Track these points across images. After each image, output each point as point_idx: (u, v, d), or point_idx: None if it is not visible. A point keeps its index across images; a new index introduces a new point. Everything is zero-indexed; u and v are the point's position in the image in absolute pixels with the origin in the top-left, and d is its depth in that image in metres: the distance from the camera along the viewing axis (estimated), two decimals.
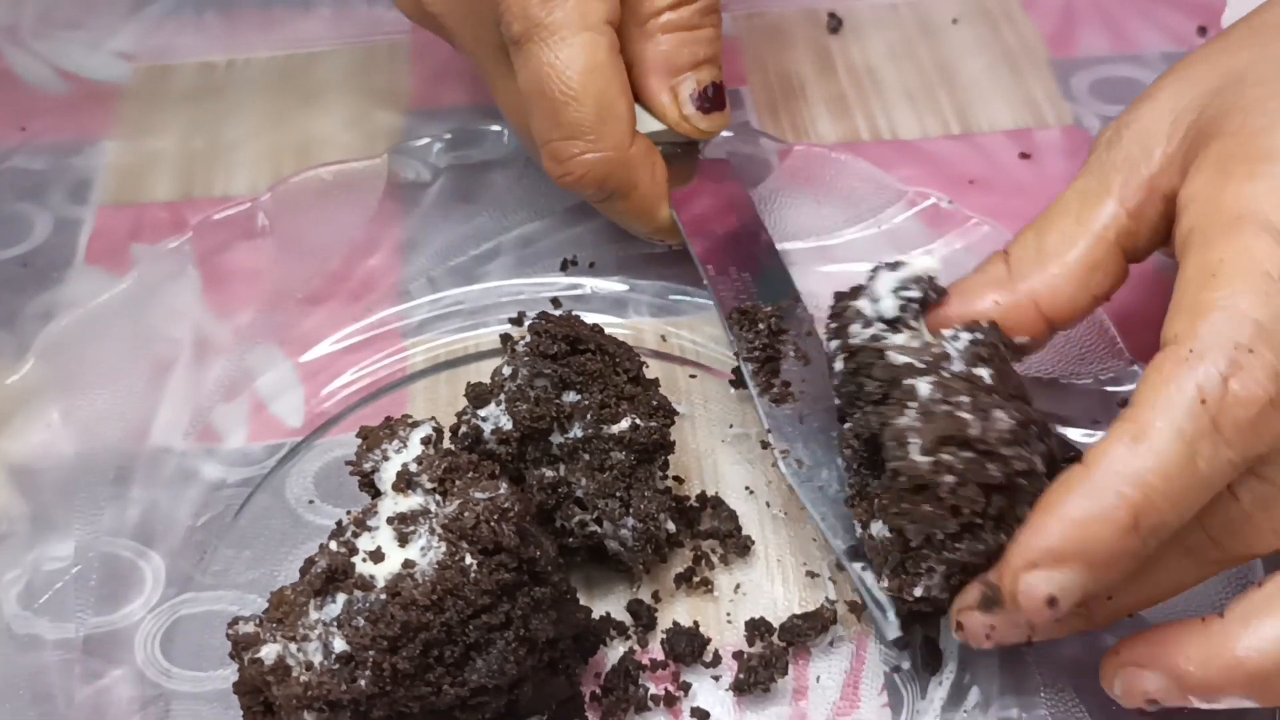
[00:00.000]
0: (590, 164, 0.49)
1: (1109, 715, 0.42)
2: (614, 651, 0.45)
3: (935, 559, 0.40)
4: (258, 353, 0.54)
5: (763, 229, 0.52)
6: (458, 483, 0.39)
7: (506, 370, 0.45)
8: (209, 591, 0.48)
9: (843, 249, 0.55)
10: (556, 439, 0.44)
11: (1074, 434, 0.48)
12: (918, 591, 0.40)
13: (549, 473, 0.44)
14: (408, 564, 0.37)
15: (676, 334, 0.55)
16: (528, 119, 0.50)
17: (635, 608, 0.46)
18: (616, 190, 0.50)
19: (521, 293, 0.56)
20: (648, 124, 0.52)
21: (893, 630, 0.42)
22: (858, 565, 0.43)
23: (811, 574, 0.47)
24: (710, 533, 0.48)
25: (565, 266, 0.56)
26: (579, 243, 0.57)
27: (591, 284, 0.56)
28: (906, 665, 0.44)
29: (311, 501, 0.50)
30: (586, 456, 0.44)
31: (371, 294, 0.56)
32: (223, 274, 0.55)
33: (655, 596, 0.46)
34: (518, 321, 0.55)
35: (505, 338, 0.54)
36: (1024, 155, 0.62)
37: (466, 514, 0.38)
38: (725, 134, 0.55)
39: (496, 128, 0.59)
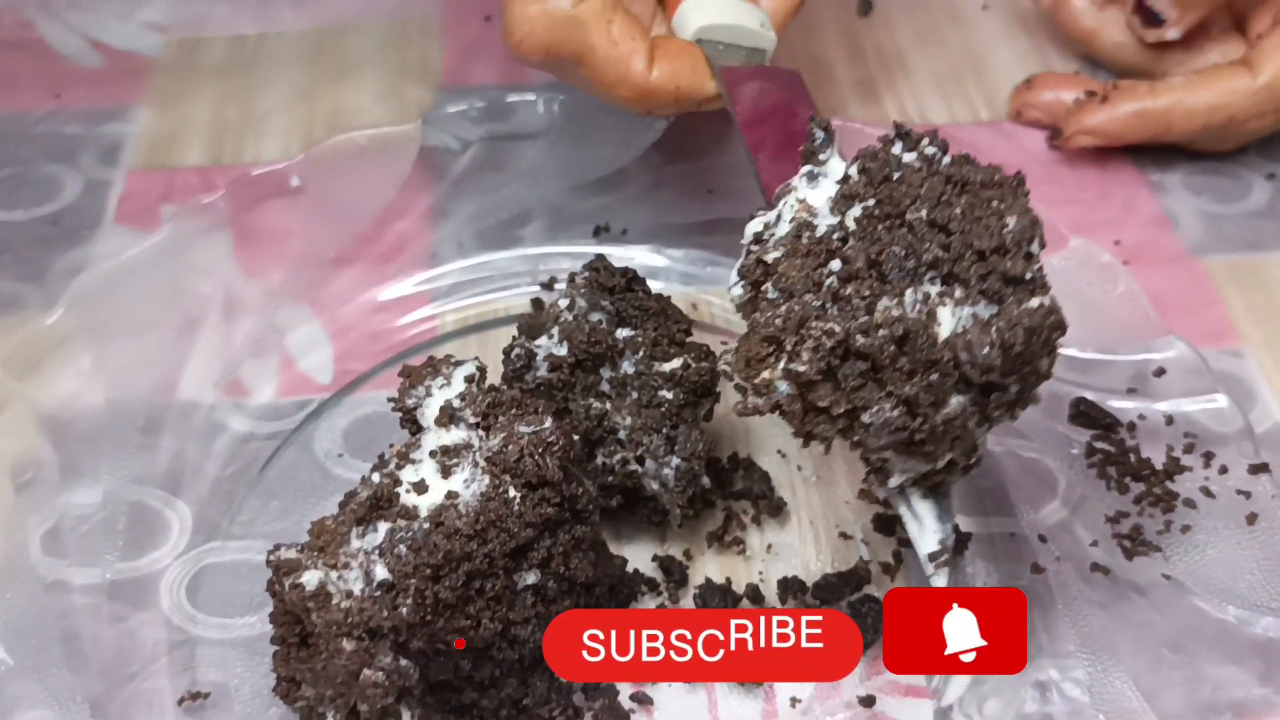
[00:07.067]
0: (530, 23, 0.47)
1: (1152, 678, 0.41)
2: (645, 606, 0.45)
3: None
4: (287, 311, 0.54)
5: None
6: (501, 418, 0.39)
7: (562, 303, 0.45)
8: (236, 541, 0.47)
9: None
10: (607, 373, 0.44)
11: (1112, 401, 0.48)
12: (891, 483, 0.39)
13: (596, 404, 0.44)
14: (451, 495, 0.37)
15: (707, 301, 0.55)
16: None
17: (667, 564, 0.46)
18: (568, 56, 0.47)
19: (552, 260, 0.56)
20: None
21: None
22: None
23: (845, 535, 0.47)
24: (742, 493, 0.48)
25: (597, 233, 0.56)
26: (611, 211, 0.57)
27: (623, 252, 0.56)
28: None
29: (341, 455, 0.50)
30: (635, 394, 0.44)
31: (401, 257, 0.56)
32: (253, 233, 0.55)
33: (686, 555, 0.46)
34: (549, 286, 0.55)
35: (537, 301, 0.54)
36: (1054, 147, 0.63)
37: (510, 447, 0.38)
38: None
39: (530, 97, 0.59)
